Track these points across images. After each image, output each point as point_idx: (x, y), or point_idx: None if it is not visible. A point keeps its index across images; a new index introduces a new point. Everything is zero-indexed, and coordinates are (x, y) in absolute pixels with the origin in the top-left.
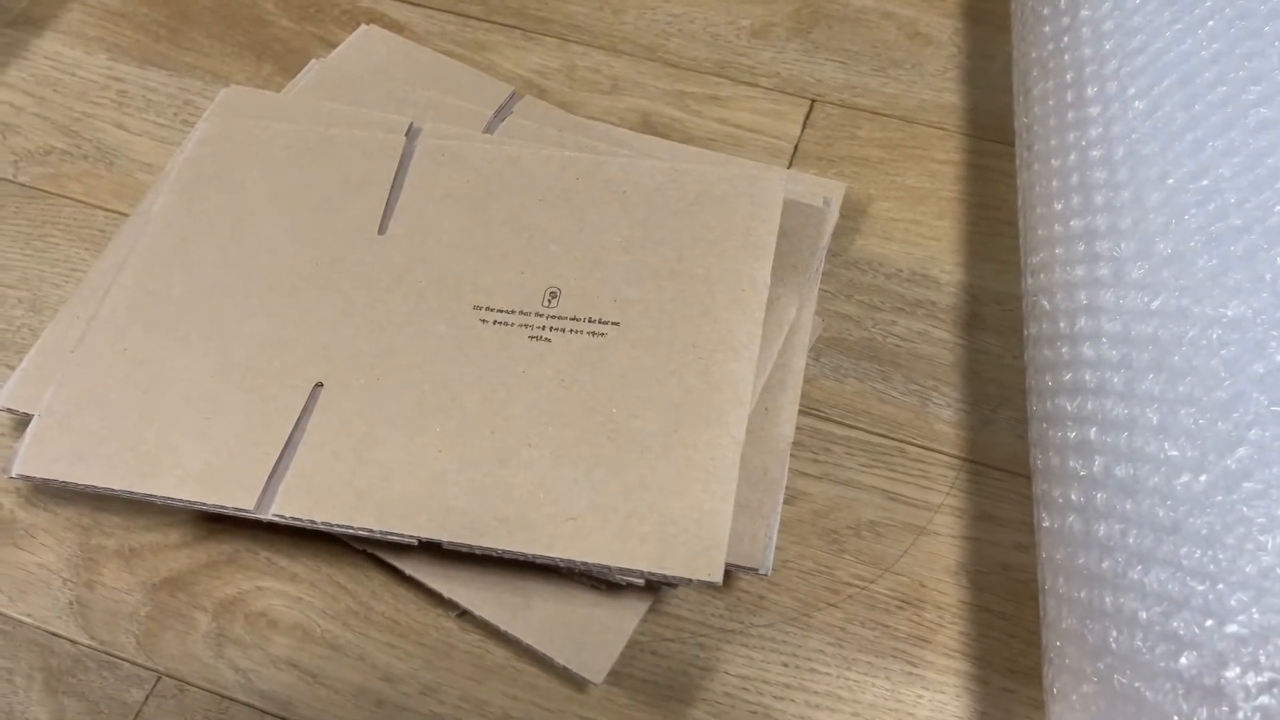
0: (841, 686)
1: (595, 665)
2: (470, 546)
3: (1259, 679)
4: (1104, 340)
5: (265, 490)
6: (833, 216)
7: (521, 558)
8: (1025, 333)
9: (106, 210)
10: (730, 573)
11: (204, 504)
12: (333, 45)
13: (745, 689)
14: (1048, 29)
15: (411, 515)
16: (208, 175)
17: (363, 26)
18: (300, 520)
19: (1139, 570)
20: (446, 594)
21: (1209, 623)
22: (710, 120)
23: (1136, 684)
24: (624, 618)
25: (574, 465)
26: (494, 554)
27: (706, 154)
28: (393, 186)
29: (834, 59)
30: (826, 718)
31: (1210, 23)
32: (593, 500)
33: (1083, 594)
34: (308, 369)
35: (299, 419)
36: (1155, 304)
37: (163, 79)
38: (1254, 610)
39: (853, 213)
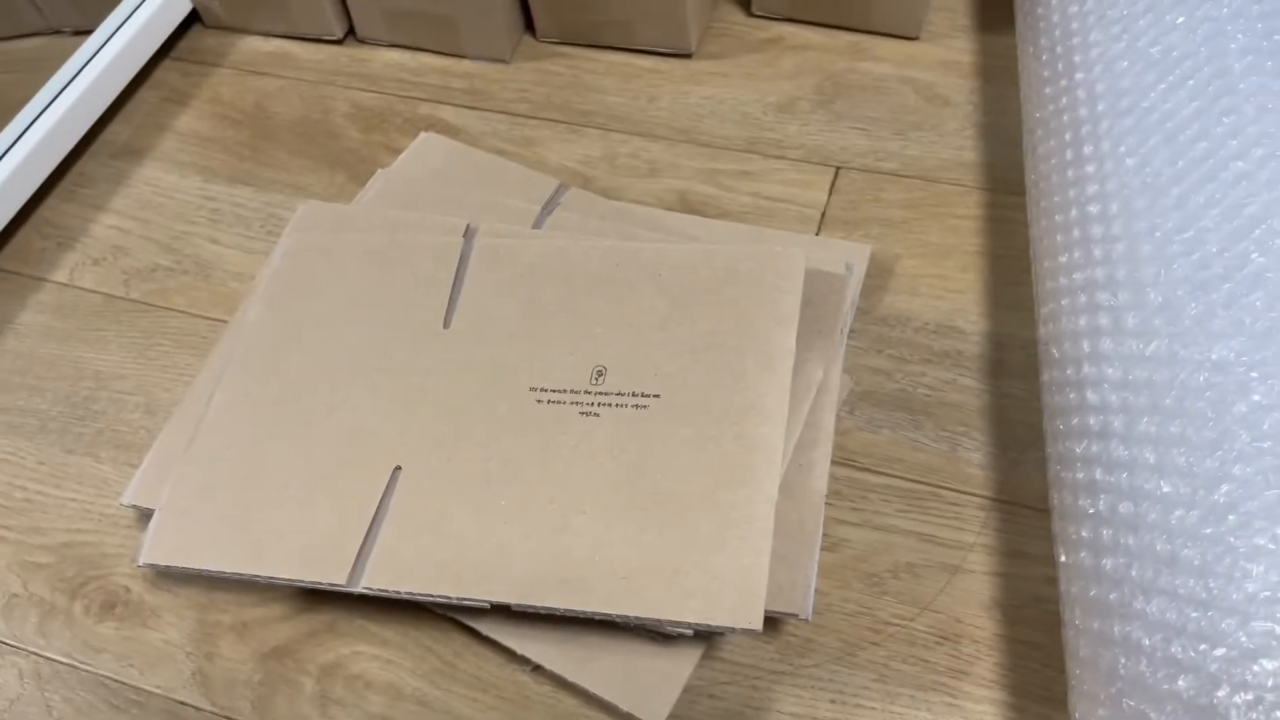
0: (886, 719)
1: (656, 710)
2: (536, 607)
3: (1246, 697)
4: (1106, 385)
5: (355, 566)
6: (856, 281)
7: (582, 615)
8: (1040, 379)
9: (207, 319)
10: (777, 619)
11: (303, 581)
12: (397, 151)
13: None
14: (1048, 90)
15: (484, 582)
16: (292, 286)
17: (422, 135)
18: (387, 591)
19: (1141, 600)
20: (519, 650)
21: (1202, 647)
22: (742, 194)
23: (1143, 706)
24: (679, 665)
25: (624, 528)
26: (557, 613)
27: (739, 228)
28: (454, 284)
29: (856, 126)
30: None
31: (1190, 82)
32: (642, 560)
33: (1096, 624)
34: (388, 454)
35: (382, 499)
36: (1149, 350)
37: (249, 195)
38: (1240, 634)
39: (880, 272)
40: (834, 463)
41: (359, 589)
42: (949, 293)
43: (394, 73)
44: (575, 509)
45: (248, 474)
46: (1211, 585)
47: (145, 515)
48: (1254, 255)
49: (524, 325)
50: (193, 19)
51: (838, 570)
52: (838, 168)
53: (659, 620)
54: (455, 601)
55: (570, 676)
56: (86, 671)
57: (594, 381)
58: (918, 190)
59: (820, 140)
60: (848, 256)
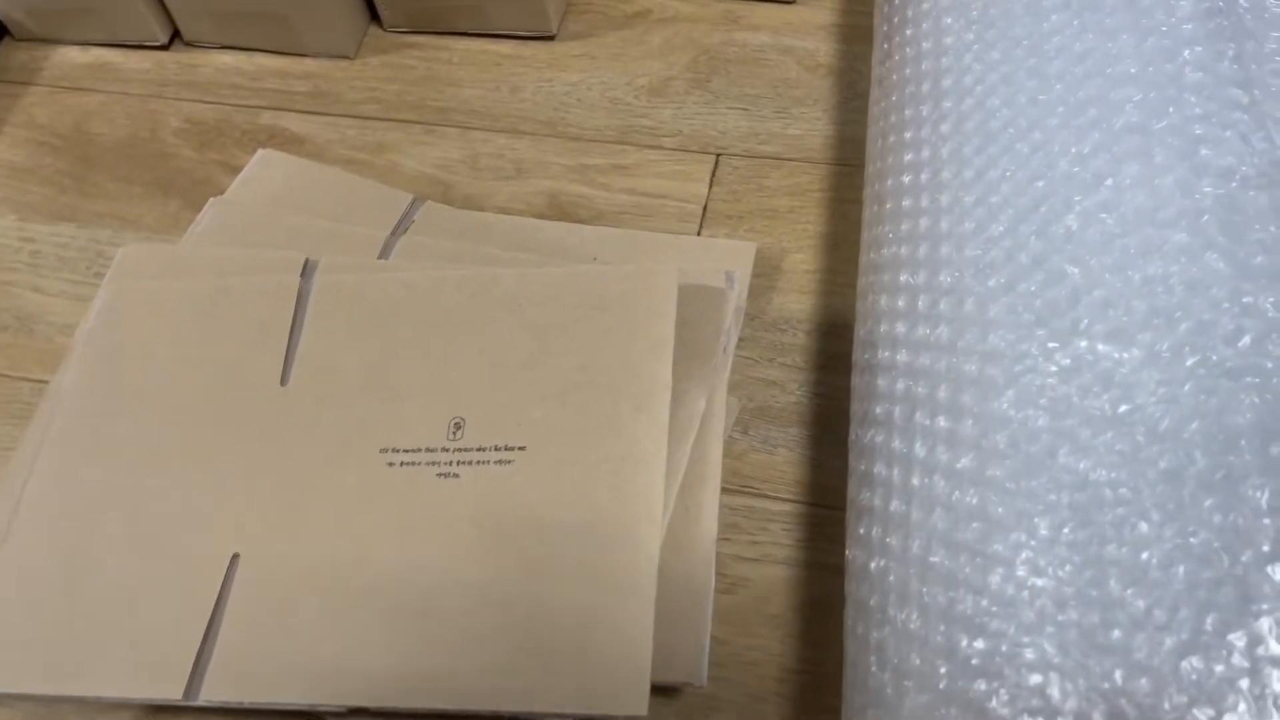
0: None
1: None
2: (398, 710)
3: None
4: (894, 371)
5: (193, 675)
6: (740, 289)
7: (448, 715)
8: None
9: (31, 381)
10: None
11: (133, 699)
12: (236, 170)
13: None
14: (884, 47)
15: (336, 683)
16: (111, 345)
17: (259, 152)
18: (230, 703)
19: (895, 606)
20: None
21: (937, 661)
22: (617, 192)
23: (880, 717)
24: None
25: (492, 608)
26: (421, 714)
27: (615, 234)
28: (291, 332)
29: (736, 106)
30: None
31: (1003, 41)
32: (513, 644)
33: (860, 629)
34: (223, 541)
35: (220, 594)
36: (933, 335)
37: (73, 232)
38: (969, 650)
39: (768, 270)
40: (729, 491)
41: (198, 702)
42: (841, 288)
43: (228, 79)
44: (437, 589)
45: (68, 579)
46: (952, 594)
47: None
48: (1032, 239)
49: (371, 375)
50: None
51: (738, 614)
52: (718, 154)
53: (534, 714)
54: (307, 708)
55: None
56: None
57: (452, 436)
58: (802, 174)
59: (698, 124)
60: (731, 259)
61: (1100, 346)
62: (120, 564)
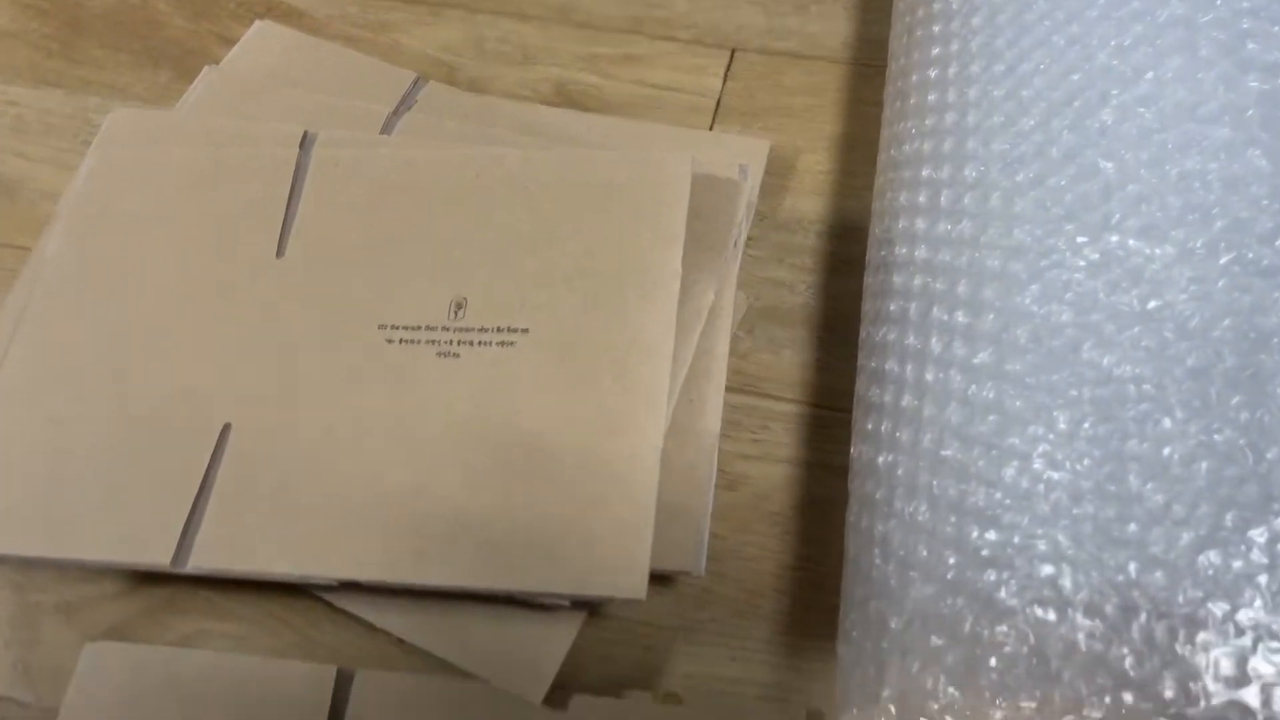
0: (793, 675)
1: (534, 685)
2: (391, 584)
3: (974, 609)
4: (911, 267)
5: (181, 543)
6: (752, 185)
7: (440, 590)
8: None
9: (14, 247)
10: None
11: (119, 563)
12: (231, 42)
13: (693, 688)
14: None
15: (330, 557)
16: (98, 214)
17: (256, 24)
18: (219, 572)
19: (902, 499)
20: (380, 625)
21: (945, 553)
22: (627, 83)
23: (884, 610)
24: (560, 634)
25: (489, 491)
26: (414, 588)
27: (623, 124)
28: (288, 205)
29: (753, 0)
30: (779, 711)
31: None
32: (510, 525)
33: (864, 523)
34: (214, 412)
35: (210, 465)
36: (955, 231)
37: (59, 99)
38: (980, 541)
39: (781, 169)
40: (732, 390)
41: (186, 569)
42: (856, 190)
43: None
44: (433, 469)
45: (56, 441)
46: (963, 487)
47: None
48: (1065, 133)
49: (371, 250)
50: None
51: (737, 511)
52: (733, 49)
53: (531, 593)
54: (299, 579)
55: (438, 652)
56: None
57: (453, 315)
58: (820, 73)
59: (713, 17)
60: (744, 155)
61: (1131, 242)
62: (106, 430)
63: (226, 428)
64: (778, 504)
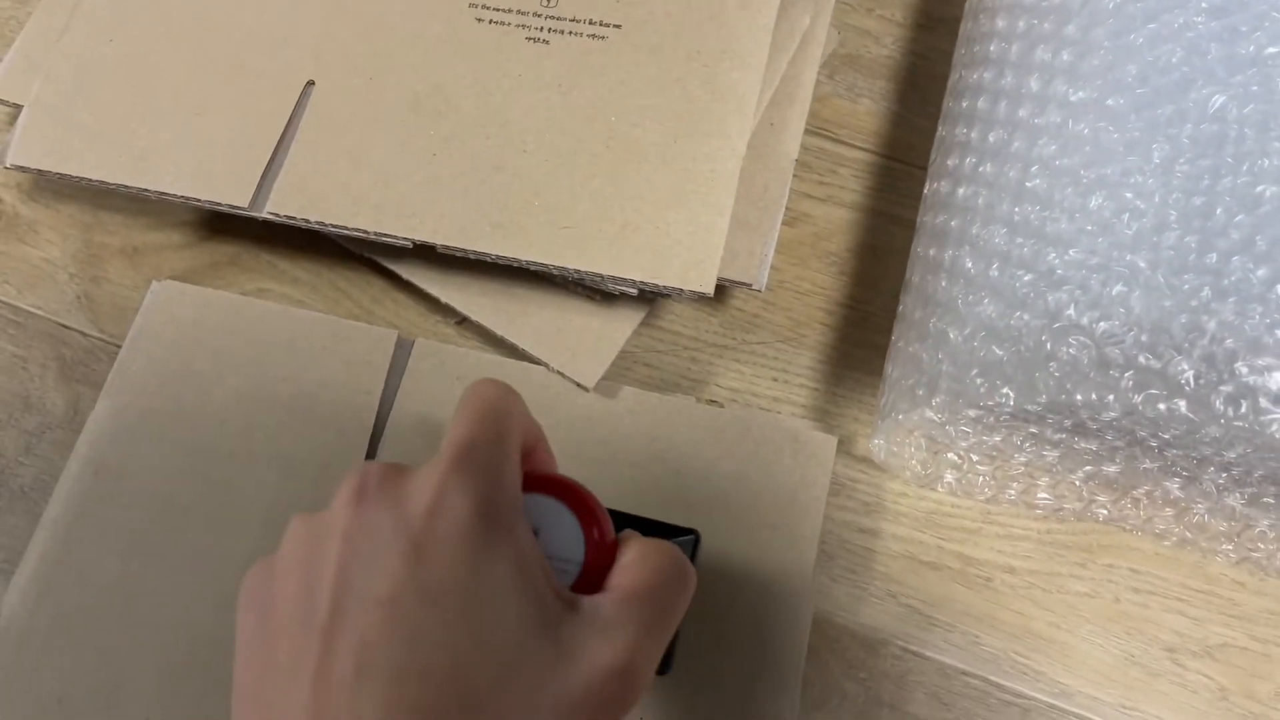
0: (829, 401)
1: (589, 372)
2: (464, 250)
3: (1039, 321)
4: (1016, 10)
5: (259, 188)
6: None
7: (515, 263)
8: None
9: None
10: (726, 290)
11: (198, 200)
12: None
13: (734, 400)
14: None
15: (406, 218)
16: None
17: None
18: (295, 219)
19: (979, 226)
20: (444, 299)
21: (1019, 271)
22: None
23: (945, 326)
24: (618, 327)
25: (570, 173)
26: (488, 259)
27: None
28: None
29: None
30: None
31: None
32: (588, 208)
33: (931, 251)
34: (299, 67)
35: (291, 117)
36: None
37: None
38: (1056, 261)
39: None
40: (805, 131)
41: (263, 214)
42: None
43: None
44: (516, 147)
45: (133, 73)
46: (1045, 214)
47: (15, 112)
48: None
49: None
50: None
51: (796, 246)
52: None
53: (601, 276)
54: (373, 238)
55: (499, 330)
56: None
57: (545, 3)
58: None
59: None
60: None
61: None
62: (188, 71)
63: (309, 84)
64: (836, 245)
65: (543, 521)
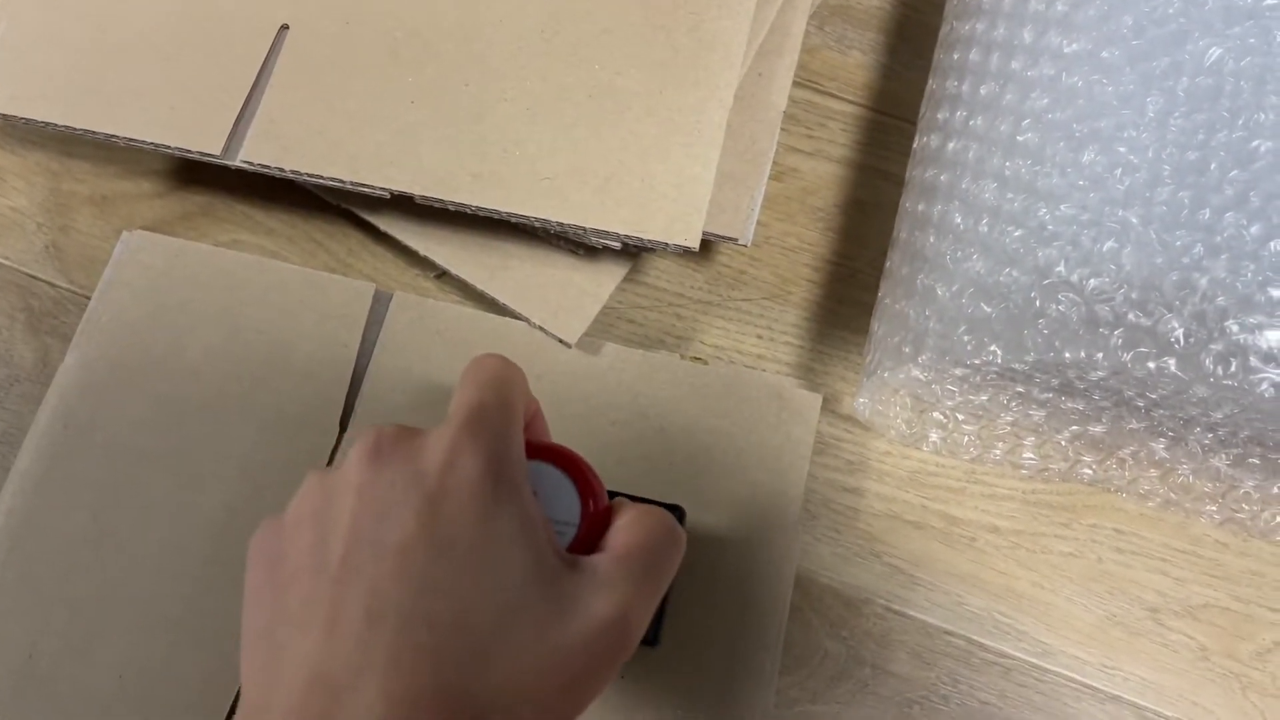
0: (814, 359)
1: (570, 327)
2: (443, 201)
3: (1028, 278)
4: None
5: (232, 135)
6: None
7: (495, 215)
8: None
9: None
10: (711, 245)
11: (169, 147)
12: None
13: (718, 357)
14: None
15: (384, 168)
16: None
17: None
18: (269, 168)
19: (969, 180)
20: (423, 252)
21: (1009, 228)
22: None
23: (933, 283)
24: (600, 283)
25: (552, 123)
26: (468, 210)
27: None
28: None
29: None
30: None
31: None
32: (570, 160)
33: (920, 206)
34: (273, 9)
35: (265, 62)
36: None
37: None
38: (1046, 216)
39: None
40: (794, 83)
41: (235, 162)
42: None
43: None
44: (496, 95)
45: (101, 15)
46: (1037, 169)
47: None
48: None
49: None
50: None
51: (782, 201)
52: None
53: (584, 228)
54: (350, 187)
55: (479, 284)
56: None
57: None
58: None
59: None
60: None
61: None
62: (159, 12)
63: (284, 28)
64: (823, 200)
65: (542, 486)
